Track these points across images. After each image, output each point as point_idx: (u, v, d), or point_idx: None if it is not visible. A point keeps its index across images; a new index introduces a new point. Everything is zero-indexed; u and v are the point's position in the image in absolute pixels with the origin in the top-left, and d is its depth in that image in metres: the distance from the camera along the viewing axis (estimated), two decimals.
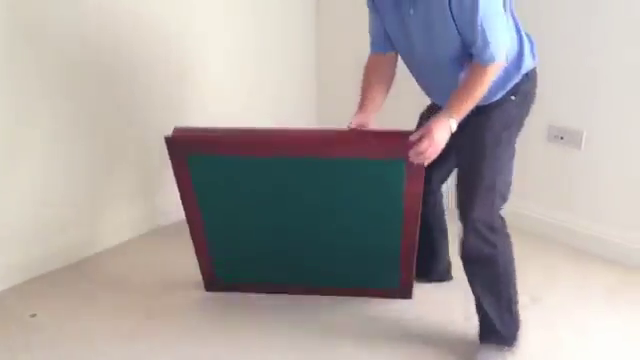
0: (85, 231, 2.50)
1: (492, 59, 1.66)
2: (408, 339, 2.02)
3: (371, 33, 1.90)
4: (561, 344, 2.02)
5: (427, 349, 1.97)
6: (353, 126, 1.84)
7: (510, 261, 1.88)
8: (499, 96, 1.80)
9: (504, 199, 1.85)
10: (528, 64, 1.81)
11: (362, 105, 1.91)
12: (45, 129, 2.29)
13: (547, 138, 2.61)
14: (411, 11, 1.68)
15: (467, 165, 1.87)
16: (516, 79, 1.79)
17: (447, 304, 2.19)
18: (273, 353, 1.97)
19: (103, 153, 2.51)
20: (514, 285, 1.90)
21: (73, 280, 2.35)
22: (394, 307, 2.17)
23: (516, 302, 1.91)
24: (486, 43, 1.63)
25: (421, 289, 2.25)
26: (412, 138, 1.72)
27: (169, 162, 1.92)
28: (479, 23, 1.60)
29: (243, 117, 2.93)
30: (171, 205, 2.69)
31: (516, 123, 1.85)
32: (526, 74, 1.81)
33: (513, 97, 1.80)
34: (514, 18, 1.78)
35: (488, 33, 1.62)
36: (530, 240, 2.60)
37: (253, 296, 2.23)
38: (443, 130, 1.69)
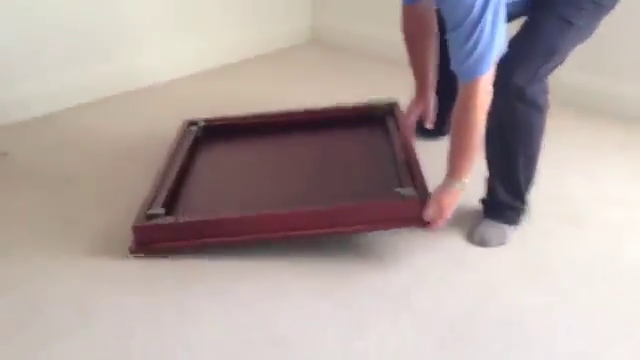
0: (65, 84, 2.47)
1: (480, 71, 1.40)
2: None
3: None
4: (569, 188, 1.95)
5: None
6: (413, 118, 1.88)
7: (533, 133, 1.61)
8: None
9: (553, 67, 1.58)
10: None
11: (419, 87, 1.86)
12: None
13: None
14: None
15: (529, 20, 1.58)
16: None
17: None
18: None
19: None
20: (529, 161, 1.65)
21: (49, 127, 2.34)
22: None
23: (529, 180, 1.68)
24: (474, 48, 1.36)
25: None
26: (426, 217, 1.54)
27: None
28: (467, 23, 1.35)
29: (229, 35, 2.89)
30: (153, 66, 2.69)
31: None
32: None
33: None
34: None
35: (481, 34, 1.35)
36: None
37: None
38: (456, 200, 1.54)
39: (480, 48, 1.36)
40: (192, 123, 2.15)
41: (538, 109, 1.59)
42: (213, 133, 2.13)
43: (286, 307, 1.44)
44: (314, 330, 1.37)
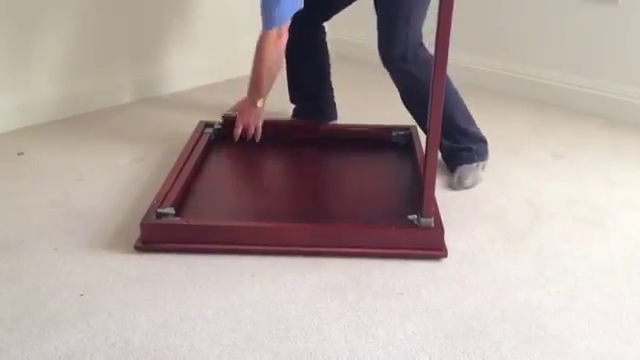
0: (85, 89, 2.49)
1: (265, 26, 1.77)
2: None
3: None
4: (590, 193, 1.91)
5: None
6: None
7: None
8: None
9: (419, 29, 1.85)
10: None
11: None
12: None
13: None
14: None
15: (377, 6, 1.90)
16: None
17: None
18: None
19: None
20: (454, 104, 1.88)
21: (66, 129, 2.36)
22: None
23: (466, 120, 1.93)
24: (262, 5, 1.73)
25: None
26: (235, 137, 2.04)
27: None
28: None
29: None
30: (172, 75, 2.71)
31: None
32: None
33: None
34: None
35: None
36: (557, 112, 2.48)
37: None
38: (249, 111, 2.01)
39: (265, 6, 1.73)
40: (208, 125, 2.15)
41: (424, 60, 1.83)
42: (228, 136, 2.13)
43: (291, 303, 1.40)
44: (320, 326, 1.32)
